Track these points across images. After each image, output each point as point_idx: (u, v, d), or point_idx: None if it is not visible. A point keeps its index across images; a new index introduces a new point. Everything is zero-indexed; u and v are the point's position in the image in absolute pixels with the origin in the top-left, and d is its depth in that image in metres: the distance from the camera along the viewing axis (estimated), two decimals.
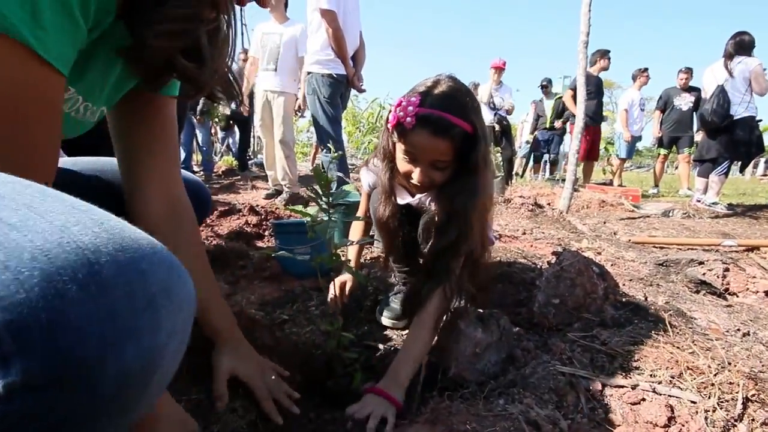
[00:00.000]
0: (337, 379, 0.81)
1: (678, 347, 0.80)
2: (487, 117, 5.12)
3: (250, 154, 6.09)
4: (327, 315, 1.03)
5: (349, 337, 0.83)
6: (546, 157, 7.04)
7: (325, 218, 0.75)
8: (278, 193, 3.49)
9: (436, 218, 0.90)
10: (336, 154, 2.15)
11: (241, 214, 2.03)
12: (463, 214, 0.83)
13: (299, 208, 0.81)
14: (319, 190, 0.73)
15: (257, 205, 2.32)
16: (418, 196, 0.99)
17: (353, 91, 2.75)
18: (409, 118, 0.80)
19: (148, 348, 0.26)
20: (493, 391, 0.77)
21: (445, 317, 0.88)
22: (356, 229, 1.27)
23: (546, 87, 6.58)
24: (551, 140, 6.52)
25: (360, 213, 1.22)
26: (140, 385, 0.26)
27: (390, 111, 0.86)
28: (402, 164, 0.89)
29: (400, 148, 0.88)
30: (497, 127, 5.05)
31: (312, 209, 0.83)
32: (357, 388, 0.79)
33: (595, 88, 4.88)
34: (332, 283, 1.14)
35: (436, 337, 0.90)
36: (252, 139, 5.63)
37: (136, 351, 0.25)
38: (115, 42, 0.48)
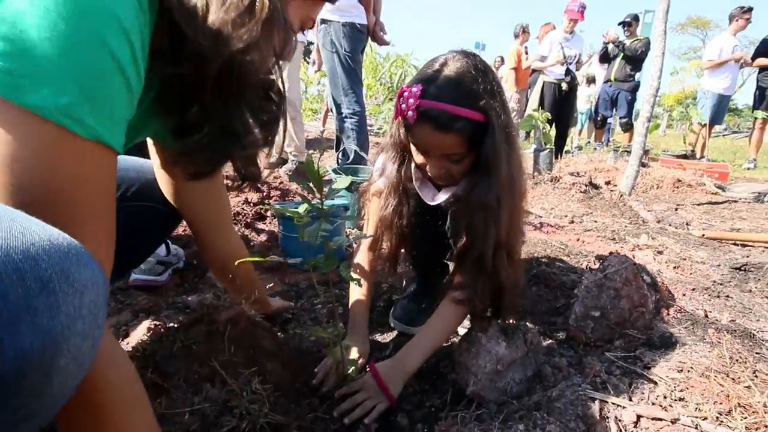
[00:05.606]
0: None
1: (733, 378, 0.84)
2: (557, 70, 4.82)
3: None
4: (332, 316, 1.11)
5: (349, 345, 0.92)
6: (611, 120, 6.66)
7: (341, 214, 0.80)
8: (282, 162, 3.57)
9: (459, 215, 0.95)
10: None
11: (239, 190, 2.12)
12: (482, 210, 0.88)
13: (289, 206, 0.85)
14: (310, 188, 0.76)
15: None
16: (442, 195, 1.03)
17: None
18: (410, 112, 0.84)
19: (46, 328, 0.31)
20: (513, 414, 0.84)
21: (467, 322, 0.93)
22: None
23: (630, 25, 5.72)
24: (616, 97, 6.01)
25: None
26: (42, 369, 0.32)
27: (395, 98, 0.90)
28: (417, 156, 0.95)
29: (411, 139, 0.93)
30: (564, 86, 4.80)
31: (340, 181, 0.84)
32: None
33: None
34: (327, 362, 0.97)
35: (456, 347, 0.97)
36: None
37: (32, 331, 0.30)
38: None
